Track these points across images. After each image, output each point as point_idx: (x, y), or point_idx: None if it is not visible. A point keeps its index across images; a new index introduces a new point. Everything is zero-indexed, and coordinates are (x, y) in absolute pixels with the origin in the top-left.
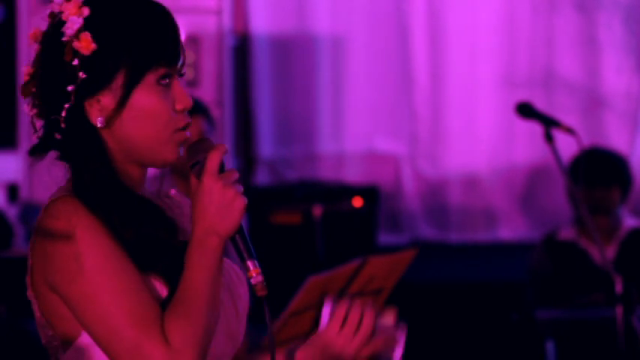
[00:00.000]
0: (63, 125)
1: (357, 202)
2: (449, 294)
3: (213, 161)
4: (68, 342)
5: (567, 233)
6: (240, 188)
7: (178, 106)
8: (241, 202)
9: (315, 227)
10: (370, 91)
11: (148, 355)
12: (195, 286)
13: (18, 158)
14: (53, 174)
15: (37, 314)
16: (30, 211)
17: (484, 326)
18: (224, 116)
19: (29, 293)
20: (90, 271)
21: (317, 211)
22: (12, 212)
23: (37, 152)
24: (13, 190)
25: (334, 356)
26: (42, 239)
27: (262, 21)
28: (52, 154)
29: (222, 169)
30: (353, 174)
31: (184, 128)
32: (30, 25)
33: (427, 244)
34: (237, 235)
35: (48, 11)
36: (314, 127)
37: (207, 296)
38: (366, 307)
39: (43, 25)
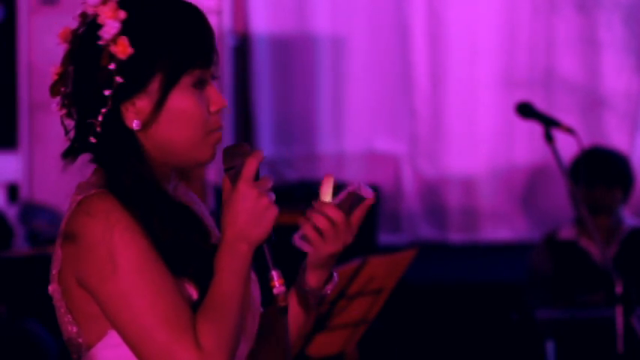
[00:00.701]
0: (99, 129)
1: None
2: (449, 294)
3: (250, 168)
4: (93, 340)
5: (568, 233)
6: (273, 197)
7: (213, 108)
8: (274, 211)
9: None
10: (370, 91)
11: (181, 358)
12: (226, 291)
13: (18, 158)
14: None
15: (61, 310)
16: (30, 211)
17: (484, 326)
18: (224, 116)
19: (53, 287)
20: (125, 270)
21: None
22: (12, 212)
23: (70, 155)
24: (13, 190)
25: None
26: (76, 235)
27: (262, 21)
28: (53, 154)
29: (256, 176)
30: (353, 174)
31: (218, 129)
32: (30, 25)
33: (427, 244)
34: (264, 244)
35: (80, 11)
36: (314, 127)
37: (237, 301)
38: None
39: (73, 23)
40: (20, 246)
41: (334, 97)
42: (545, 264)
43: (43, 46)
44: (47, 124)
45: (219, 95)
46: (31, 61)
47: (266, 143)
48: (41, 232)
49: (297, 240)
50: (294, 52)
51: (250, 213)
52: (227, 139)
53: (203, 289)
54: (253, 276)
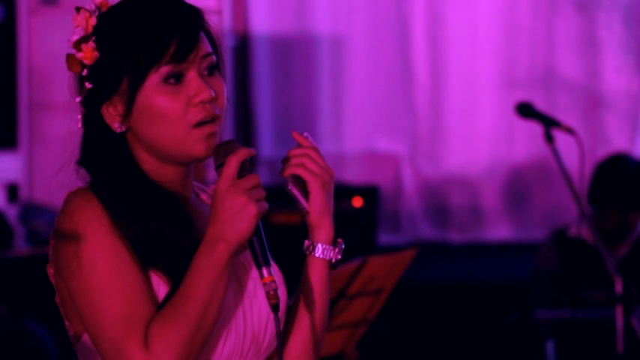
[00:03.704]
0: (83, 133)
1: (357, 202)
2: (449, 294)
3: (229, 166)
4: (80, 332)
5: (576, 230)
6: (259, 194)
7: (196, 100)
8: (252, 209)
9: None
10: (370, 91)
11: (126, 357)
12: (192, 291)
13: (18, 158)
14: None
15: (58, 304)
16: (30, 211)
17: (484, 326)
18: (225, 115)
19: (52, 281)
20: (86, 268)
21: None
22: (12, 212)
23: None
24: (13, 190)
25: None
26: (55, 232)
27: (262, 21)
28: (53, 154)
29: (243, 173)
30: (353, 174)
31: (208, 122)
32: (30, 25)
33: (427, 244)
34: (254, 240)
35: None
36: (314, 127)
37: (201, 302)
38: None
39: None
40: (20, 246)
41: (334, 97)
42: (553, 261)
43: (43, 46)
44: (47, 124)
45: (202, 86)
46: (31, 61)
47: (266, 143)
48: (41, 232)
49: (290, 187)
50: (294, 52)
51: (227, 212)
52: (227, 138)
53: (176, 284)
54: (279, 275)
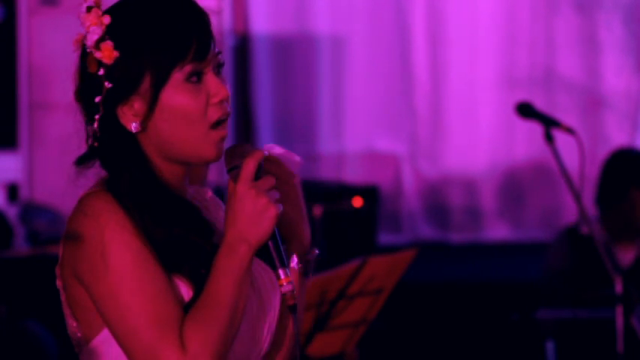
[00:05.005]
0: (99, 134)
1: (357, 202)
2: (449, 294)
3: (248, 168)
4: (91, 334)
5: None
6: (276, 195)
7: (214, 99)
8: (273, 210)
9: (315, 227)
10: (370, 90)
11: (164, 359)
12: (219, 293)
13: (18, 158)
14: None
15: (64, 304)
16: (30, 211)
17: (484, 326)
18: None
19: (58, 283)
20: (114, 270)
21: (317, 211)
22: (12, 212)
23: (82, 162)
24: (13, 190)
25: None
26: (72, 233)
27: (262, 21)
28: (53, 154)
29: (258, 175)
30: (353, 174)
31: (223, 121)
32: (30, 25)
33: (427, 244)
34: (270, 242)
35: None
36: (314, 127)
37: (230, 303)
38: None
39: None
40: (20, 246)
41: (334, 97)
42: (565, 258)
43: (43, 46)
44: (47, 124)
45: (220, 85)
46: (31, 61)
47: (266, 143)
48: (41, 232)
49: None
50: (294, 52)
51: (248, 214)
52: (227, 139)
53: (199, 288)
54: (276, 282)
